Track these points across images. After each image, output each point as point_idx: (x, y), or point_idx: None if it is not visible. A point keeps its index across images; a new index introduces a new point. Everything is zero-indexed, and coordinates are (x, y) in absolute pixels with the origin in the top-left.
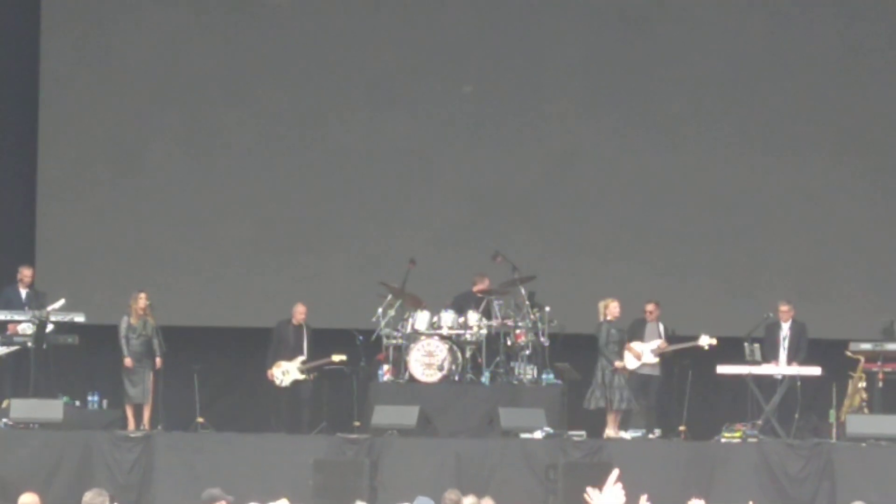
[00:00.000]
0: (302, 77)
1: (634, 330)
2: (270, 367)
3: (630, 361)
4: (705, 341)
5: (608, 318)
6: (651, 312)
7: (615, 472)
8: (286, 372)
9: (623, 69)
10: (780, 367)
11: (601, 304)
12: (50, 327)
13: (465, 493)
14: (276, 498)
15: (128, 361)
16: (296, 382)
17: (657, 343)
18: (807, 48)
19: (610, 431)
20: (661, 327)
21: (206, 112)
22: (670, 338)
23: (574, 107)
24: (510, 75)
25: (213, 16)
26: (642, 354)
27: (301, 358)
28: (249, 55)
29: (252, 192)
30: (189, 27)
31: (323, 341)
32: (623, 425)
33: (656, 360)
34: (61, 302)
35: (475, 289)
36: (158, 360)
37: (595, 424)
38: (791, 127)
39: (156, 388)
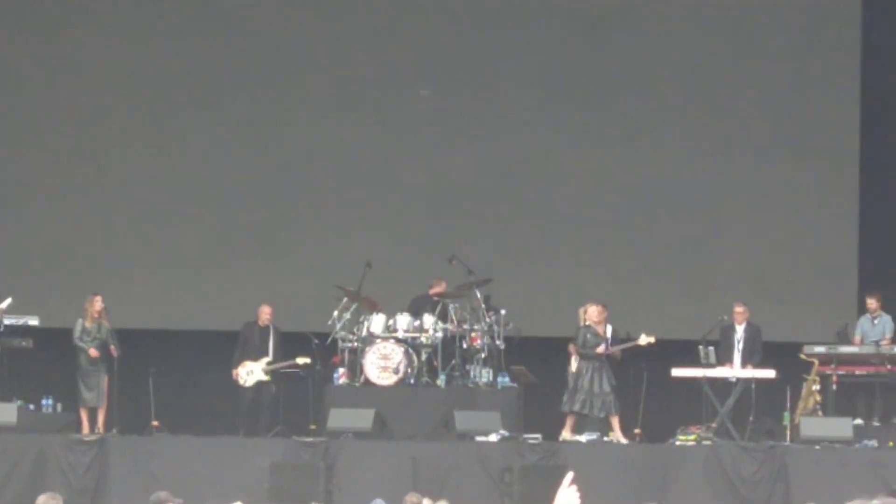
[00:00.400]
0: (261, 80)
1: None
2: (236, 367)
3: (573, 365)
4: (644, 340)
5: (586, 322)
6: (601, 312)
7: (570, 475)
8: (251, 372)
9: (581, 74)
10: (735, 370)
11: (581, 309)
12: (2, 330)
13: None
14: (232, 501)
15: (93, 352)
16: (259, 383)
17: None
18: (762, 55)
19: (566, 434)
20: (609, 330)
21: (164, 113)
22: (620, 339)
23: (531, 111)
24: (468, 79)
25: (172, 16)
26: None
27: (266, 359)
28: (209, 57)
29: (208, 194)
30: (148, 28)
31: (281, 344)
32: (578, 429)
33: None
34: (8, 301)
35: (431, 292)
36: (114, 350)
37: (551, 428)
38: (746, 132)
39: (110, 392)
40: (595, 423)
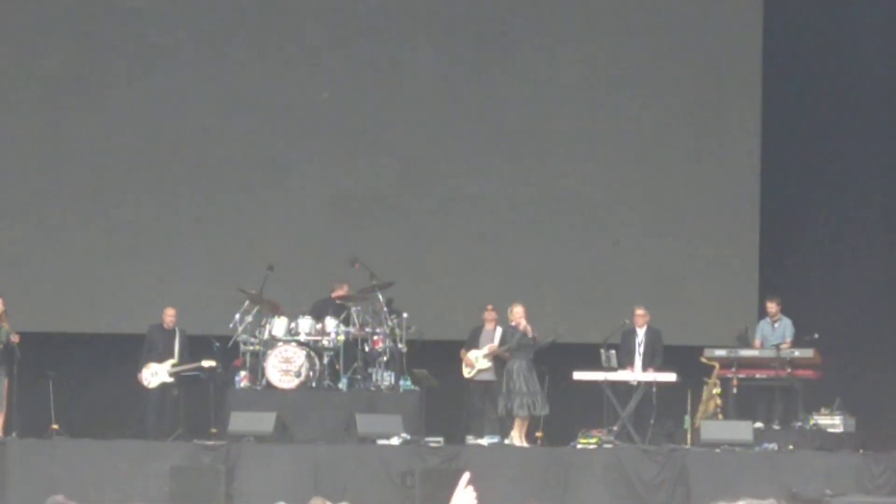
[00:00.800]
0: (156, 79)
1: (472, 338)
2: (141, 369)
3: (465, 370)
4: None
5: (512, 322)
6: (489, 313)
7: (466, 475)
8: (155, 373)
9: (478, 78)
10: (636, 374)
11: (508, 311)
12: None
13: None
14: None
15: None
16: (163, 385)
17: (487, 347)
18: (661, 56)
19: (516, 435)
20: (499, 332)
21: (57, 110)
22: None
23: (430, 113)
24: (368, 81)
25: (62, 12)
26: (475, 361)
27: (171, 361)
28: (101, 53)
29: (108, 195)
30: (36, 24)
31: (187, 346)
32: (477, 431)
33: (489, 364)
34: None
35: (334, 295)
36: (15, 336)
37: (452, 431)
38: (647, 135)
39: (10, 395)
40: (495, 426)
